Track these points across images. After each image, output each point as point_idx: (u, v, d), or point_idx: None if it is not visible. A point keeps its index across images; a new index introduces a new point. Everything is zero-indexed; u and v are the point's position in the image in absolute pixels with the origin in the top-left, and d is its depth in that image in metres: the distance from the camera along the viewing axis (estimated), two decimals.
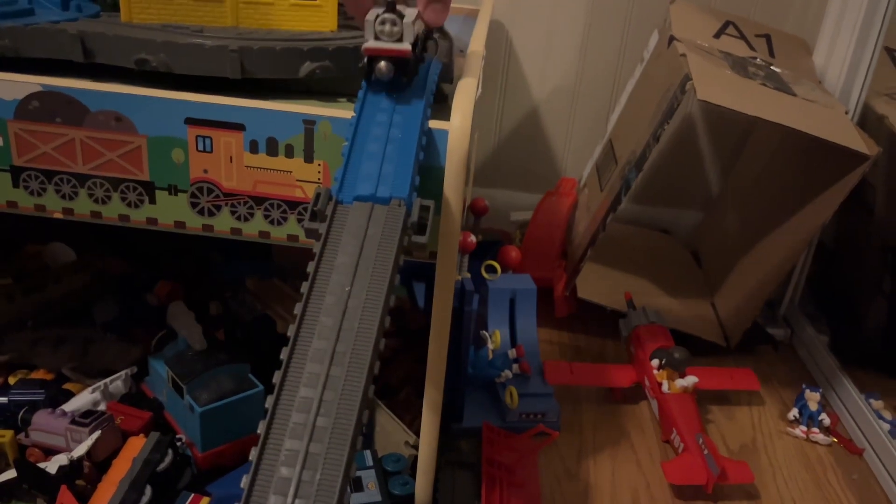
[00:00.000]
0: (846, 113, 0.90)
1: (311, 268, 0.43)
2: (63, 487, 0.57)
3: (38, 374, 0.72)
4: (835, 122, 0.85)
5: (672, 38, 0.93)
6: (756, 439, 0.81)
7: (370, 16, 0.49)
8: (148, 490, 0.58)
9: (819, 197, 0.86)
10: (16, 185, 0.55)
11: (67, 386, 0.71)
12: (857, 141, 0.80)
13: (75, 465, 0.59)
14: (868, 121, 0.93)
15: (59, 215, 0.56)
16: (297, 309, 0.41)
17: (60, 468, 0.59)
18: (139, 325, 0.80)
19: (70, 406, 0.66)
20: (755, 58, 0.96)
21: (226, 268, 0.93)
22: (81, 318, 0.81)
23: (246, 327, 0.77)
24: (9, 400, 0.67)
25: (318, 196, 0.46)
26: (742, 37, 1.01)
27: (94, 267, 0.87)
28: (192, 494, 0.59)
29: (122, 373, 0.70)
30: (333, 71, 0.57)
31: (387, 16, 0.49)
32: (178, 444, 0.63)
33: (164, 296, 0.86)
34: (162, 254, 0.91)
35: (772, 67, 0.95)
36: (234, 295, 0.82)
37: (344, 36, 0.59)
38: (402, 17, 0.49)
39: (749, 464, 0.72)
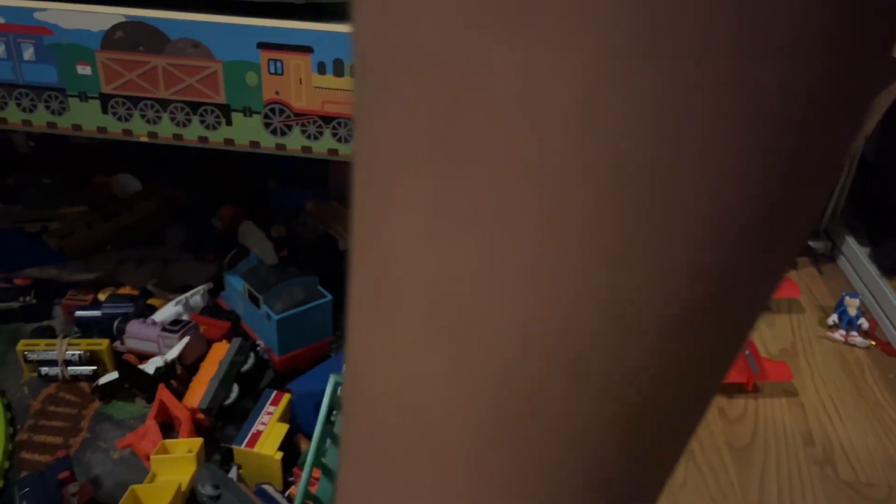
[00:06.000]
0: None
1: None
2: (160, 385, 0.63)
3: (125, 291, 0.78)
4: None
5: None
6: (795, 344, 0.84)
7: None
8: (235, 388, 0.64)
9: None
10: (105, 111, 0.59)
11: (151, 301, 0.77)
12: None
13: (170, 366, 0.65)
14: None
15: (144, 139, 0.60)
16: None
17: (157, 369, 0.65)
18: (208, 248, 0.86)
19: (157, 317, 0.73)
20: None
21: (283, 194, 0.98)
22: (154, 243, 0.86)
23: (309, 246, 0.82)
24: (102, 313, 0.73)
25: None
26: None
27: (160, 195, 0.93)
28: (275, 391, 0.65)
29: (200, 288, 0.76)
30: None
31: None
32: (258, 348, 0.69)
33: (229, 219, 0.91)
34: (221, 182, 0.96)
35: None
36: (295, 217, 0.86)
37: None
38: None
39: (788, 365, 0.76)
